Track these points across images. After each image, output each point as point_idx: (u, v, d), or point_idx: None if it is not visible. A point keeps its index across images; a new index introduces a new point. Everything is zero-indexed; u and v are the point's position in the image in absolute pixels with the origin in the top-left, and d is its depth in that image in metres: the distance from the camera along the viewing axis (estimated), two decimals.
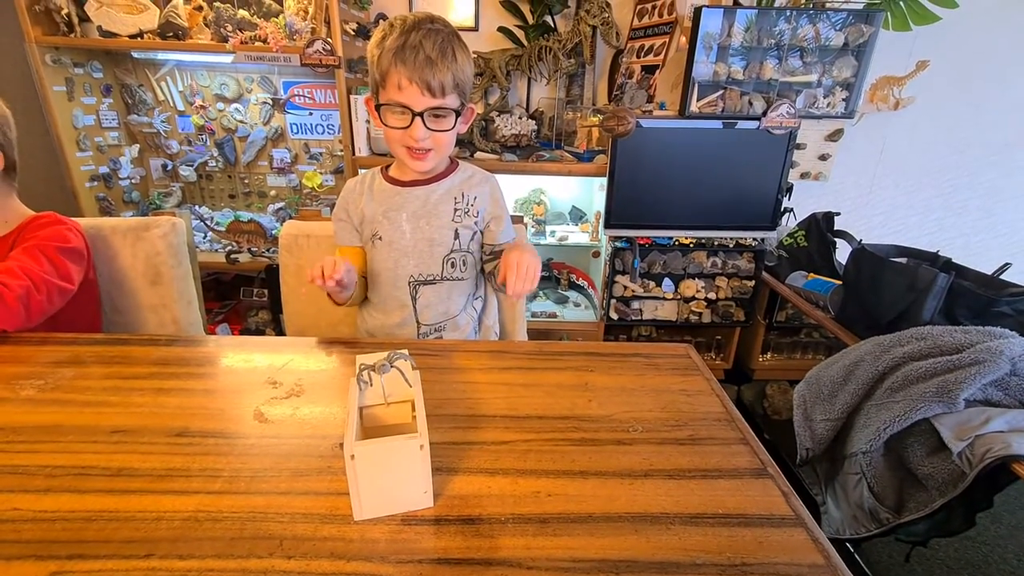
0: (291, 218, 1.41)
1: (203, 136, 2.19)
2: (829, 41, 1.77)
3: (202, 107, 2.13)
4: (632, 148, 1.81)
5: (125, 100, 2.12)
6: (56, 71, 1.85)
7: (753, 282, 2.04)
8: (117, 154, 2.11)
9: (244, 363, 0.74)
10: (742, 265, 2.03)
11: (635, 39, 2.06)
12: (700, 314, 2.09)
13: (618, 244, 1.97)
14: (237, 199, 2.32)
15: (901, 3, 1.86)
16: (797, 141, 1.85)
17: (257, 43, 1.81)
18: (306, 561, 0.44)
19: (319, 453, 0.56)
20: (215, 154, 2.21)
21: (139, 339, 0.80)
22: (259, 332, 2.22)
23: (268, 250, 2.05)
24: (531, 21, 2.07)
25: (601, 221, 1.98)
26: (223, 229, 2.04)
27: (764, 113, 1.78)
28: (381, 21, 1.32)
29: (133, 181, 2.18)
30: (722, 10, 1.72)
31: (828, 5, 1.85)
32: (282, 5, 1.89)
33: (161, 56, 2.06)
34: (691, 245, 1.99)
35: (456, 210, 0.98)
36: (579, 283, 2.35)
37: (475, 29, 2.11)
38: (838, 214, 1.97)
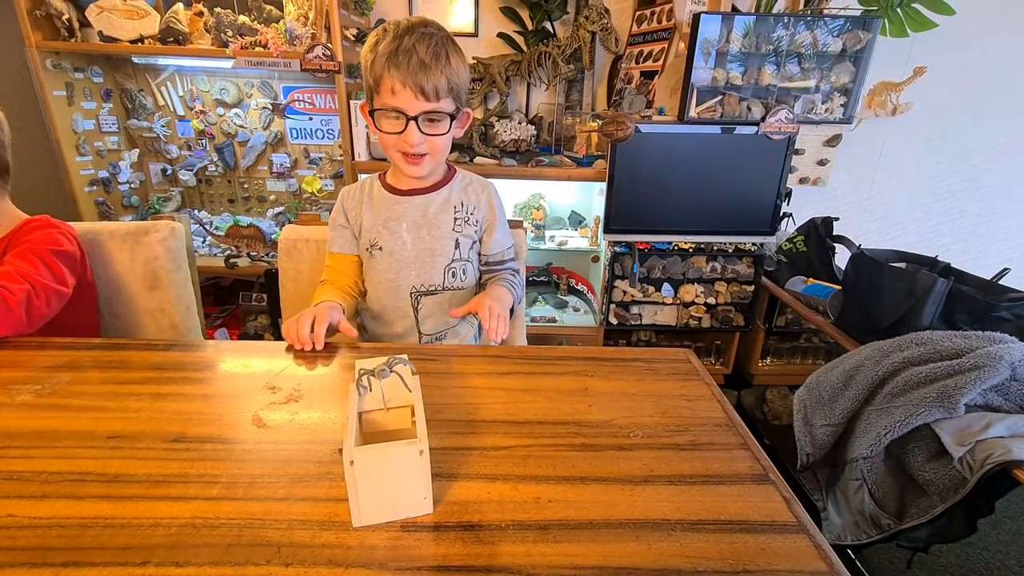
0: (290, 223, 1.41)
1: (203, 141, 2.20)
2: (827, 47, 1.78)
3: (202, 112, 2.14)
4: (631, 153, 1.82)
5: (125, 105, 2.13)
6: (56, 76, 1.86)
7: (752, 287, 2.04)
8: (117, 159, 2.11)
9: (242, 368, 0.74)
10: (741, 270, 2.03)
11: (634, 45, 2.07)
12: (699, 319, 2.09)
13: (617, 249, 1.97)
14: (236, 204, 2.32)
15: (898, 10, 1.87)
16: (796, 146, 1.85)
17: (257, 48, 1.81)
18: (304, 568, 0.43)
19: (318, 459, 0.56)
20: (215, 159, 2.22)
21: (136, 344, 0.80)
22: (258, 337, 2.21)
23: (267, 255, 2.05)
24: (530, 27, 2.08)
25: (600, 226, 1.99)
26: (222, 234, 2.04)
27: (763, 119, 1.79)
28: None
29: (132, 186, 2.18)
30: (720, 17, 1.73)
31: (826, 12, 1.86)
32: (282, 11, 1.90)
33: (161, 61, 2.07)
34: (690, 250, 1.99)
35: (456, 219, 0.98)
36: (578, 288, 2.35)
37: (475, 35, 2.12)
38: (837, 219, 1.98)
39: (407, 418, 0.54)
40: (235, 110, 2.16)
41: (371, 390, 0.54)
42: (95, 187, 2.03)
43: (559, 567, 0.44)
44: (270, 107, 2.15)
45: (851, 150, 2.24)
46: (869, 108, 2.18)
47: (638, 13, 2.07)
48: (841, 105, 1.86)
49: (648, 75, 1.98)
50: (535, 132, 2.10)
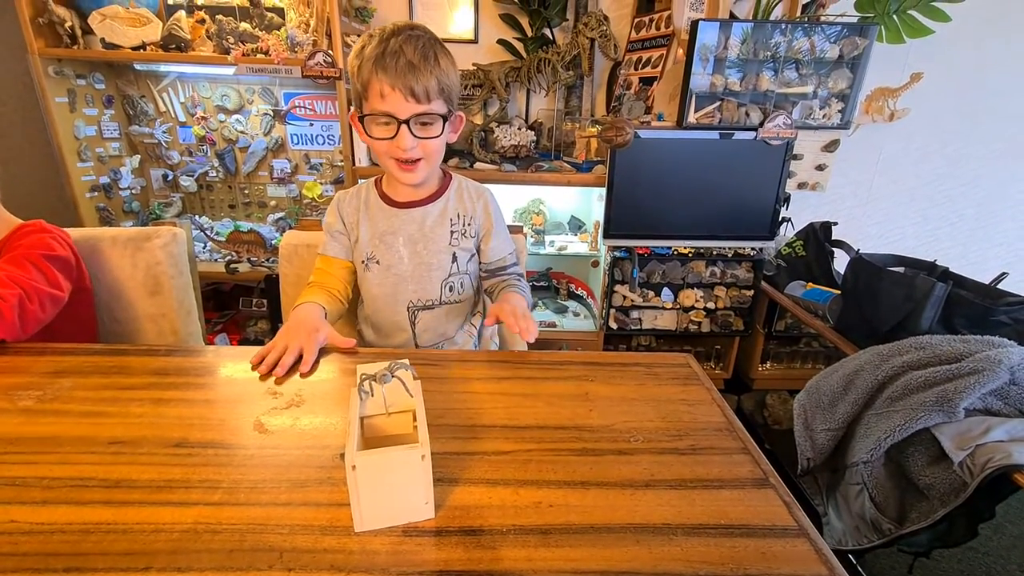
0: (291, 228, 1.41)
1: (204, 147, 2.20)
2: (824, 53, 1.80)
3: (203, 118, 2.15)
4: (630, 158, 1.82)
5: (127, 111, 2.14)
6: (58, 82, 1.87)
7: (752, 292, 2.05)
8: (118, 164, 2.12)
9: (244, 373, 0.74)
10: (741, 275, 2.04)
11: (633, 51, 2.08)
12: (699, 324, 2.10)
13: (617, 254, 1.98)
14: (237, 209, 2.33)
15: (895, 16, 1.89)
16: (794, 152, 1.86)
17: (259, 55, 1.82)
18: (306, 573, 0.43)
19: (319, 463, 0.56)
20: (215, 164, 2.22)
21: (137, 349, 0.80)
22: (258, 342, 2.21)
23: (268, 260, 2.06)
24: (530, 34, 2.09)
25: (600, 231, 1.99)
26: (223, 239, 2.04)
27: (761, 124, 1.80)
28: None
29: (133, 191, 2.18)
30: (718, 23, 1.74)
31: (823, 19, 1.87)
32: (284, 18, 1.91)
33: (163, 68, 2.08)
34: (690, 255, 1.99)
35: (453, 233, 0.97)
36: (578, 293, 2.35)
37: (475, 42, 2.14)
38: (835, 224, 1.98)
39: (408, 423, 0.55)
40: (236, 116, 2.17)
41: (373, 395, 0.54)
42: (96, 193, 2.03)
43: (560, 572, 0.44)
44: (271, 113, 2.16)
45: (849, 155, 2.25)
46: (866, 114, 2.19)
47: (637, 20, 2.08)
48: (839, 111, 1.87)
49: (647, 81, 1.99)
50: (535, 138, 2.10)
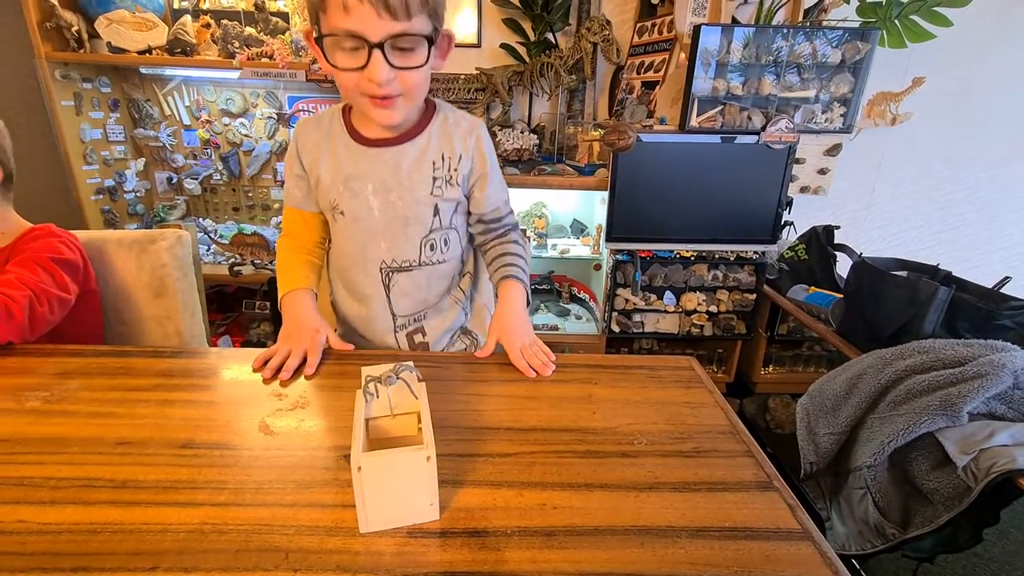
0: None
1: (208, 150, 2.22)
2: (826, 58, 1.80)
3: (208, 121, 2.16)
4: (633, 162, 1.83)
5: (132, 114, 2.15)
6: (65, 86, 1.88)
7: (754, 295, 2.05)
8: (123, 167, 2.13)
9: (248, 375, 0.74)
10: (743, 278, 2.04)
11: (635, 56, 2.09)
12: (702, 327, 2.10)
13: (619, 257, 1.98)
14: (241, 212, 2.34)
15: (896, 21, 1.89)
16: (796, 155, 1.86)
17: (263, 59, 1.84)
18: (312, 574, 0.43)
19: (324, 465, 0.56)
20: (220, 167, 2.24)
21: (143, 351, 0.81)
22: (261, 344, 2.22)
23: (270, 263, 2.06)
24: (533, 38, 2.10)
25: (602, 234, 2.00)
26: (227, 242, 2.05)
27: (763, 128, 1.80)
28: None
29: (138, 194, 2.20)
30: (720, 28, 1.75)
31: (824, 23, 1.88)
32: (288, 23, 1.93)
33: (168, 72, 2.09)
34: (692, 258, 1.99)
35: (436, 180, 0.81)
36: (580, 296, 2.35)
37: (477, 46, 2.15)
38: (838, 227, 1.99)
39: (413, 425, 0.55)
40: (240, 120, 2.18)
41: (378, 397, 0.54)
42: (101, 196, 2.05)
43: (564, 573, 0.44)
44: (275, 117, 2.18)
45: (851, 159, 2.25)
46: (868, 118, 2.20)
47: (639, 24, 2.09)
48: (841, 115, 1.88)
49: (649, 85, 2.00)
50: (537, 141, 2.11)
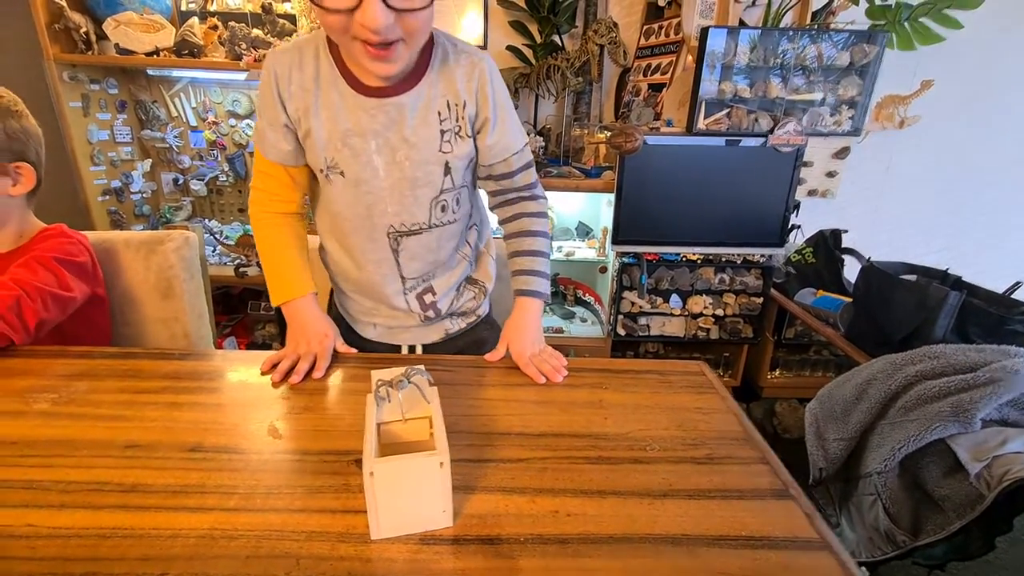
0: None
1: (214, 151, 2.22)
2: (833, 60, 1.79)
3: (214, 123, 2.16)
4: (639, 164, 1.82)
5: (139, 116, 2.16)
6: (73, 87, 1.89)
7: (761, 299, 2.04)
8: (130, 168, 2.14)
9: (256, 378, 0.74)
10: (750, 282, 2.03)
11: (642, 58, 2.08)
12: (708, 330, 2.08)
13: (625, 260, 1.97)
14: (246, 213, 2.34)
15: (906, 24, 1.88)
16: (804, 159, 1.85)
17: None
18: None
19: (334, 470, 0.56)
20: (226, 169, 2.24)
21: (151, 353, 0.80)
22: (266, 346, 2.22)
23: None
24: (539, 40, 2.10)
25: (608, 236, 1.99)
26: (232, 243, 2.05)
27: (770, 131, 1.80)
28: None
29: (144, 195, 2.20)
30: (727, 30, 1.75)
31: (833, 26, 1.87)
32: (295, 24, 1.93)
33: (176, 73, 2.10)
34: (699, 261, 1.98)
35: (444, 134, 0.73)
36: (586, 299, 2.34)
37: (484, 47, 2.15)
38: (846, 231, 1.97)
39: (425, 429, 0.54)
40: (247, 121, 2.18)
41: (389, 401, 0.54)
42: (108, 196, 2.05)
43: None
44: None
45: (859, 162, 2.24)
46: (876, 121, 2.18)
47: (646, 27, 2.09)
48: (849, 118, 1.87)
49: (656, 87, 1.99)
50: (543, 143, 2.11)
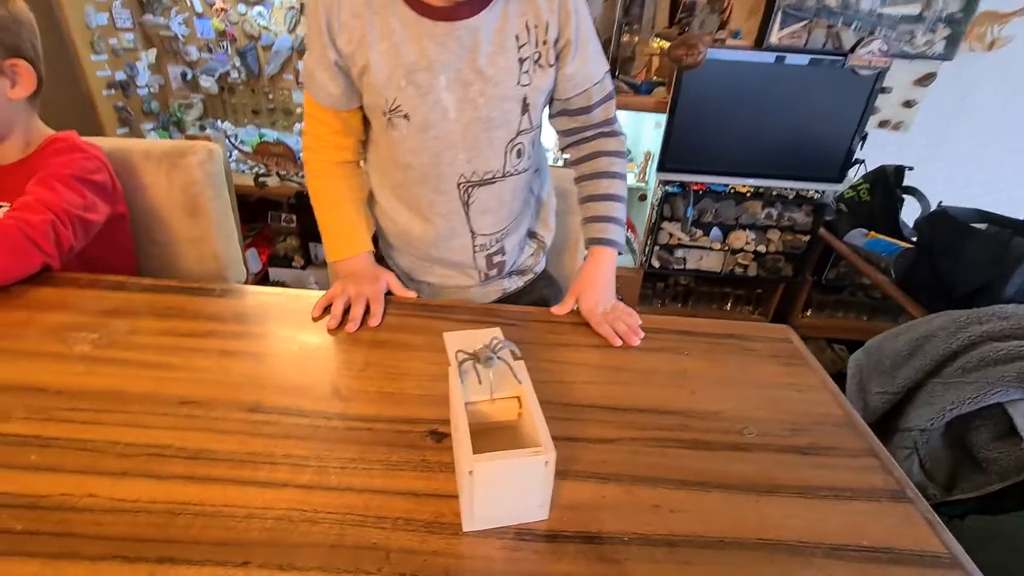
0: None
1: (224, 43, 2.02)
2: None
3: (222, 10, 1.94)
4: (699, 82, 1.64)
5: None
6: None
7: (808, 237, 1.93)
8: (133, 59, 1.95)
9: (308, 323, 0.68)
10: (799, 219, 1.91)
11: None
12: (746, 267, 2.00)
13: (669, 189, 1.84)
14: (261, 115, 2.18)
15: None
16: (883, 84, 1.65)
17: None
18: None
19: (409, 442, 0.51)
20: (237, 64, 2.05)
21: (189, 287, 0.74)
22: (287, 259, 2.16)
23: (296, 174, 1.95)
24: None
25: (651, 162, 1.85)
26: (249, 149, 1.92)
27: (852, 49, 1.59)
28: None
29: (152, 90, 2.03)
30: None
31: None
32: None
33: None
34: (747, 194, 1.86)
35: (523, 61, 0.63)
36: None
37: None
38: (911, 168, 1.82)
39: (514, 409, 0.49)
40: (258, 8, 1.96)
41: (479, 381, 0.48)
42: (113, 91, 1.89)
43: None
44: (297, 6, 1.95)
45: (939, 92, 2.01)
46: (964, 41, 1.93)
47: None
48: (944, 38, 1.64)
49: None
50: None
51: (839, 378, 1.33)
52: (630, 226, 2.18)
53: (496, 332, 0.57)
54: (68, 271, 0.76)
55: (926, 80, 1.78)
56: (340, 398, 0.56)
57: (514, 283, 0.88)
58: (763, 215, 1.91)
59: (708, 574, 0.42)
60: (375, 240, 0.90)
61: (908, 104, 1.83)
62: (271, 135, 2.01)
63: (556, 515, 0.45)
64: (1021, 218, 1.41)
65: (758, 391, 0.62)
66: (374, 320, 0.67)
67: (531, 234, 0.87)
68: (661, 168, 1.79)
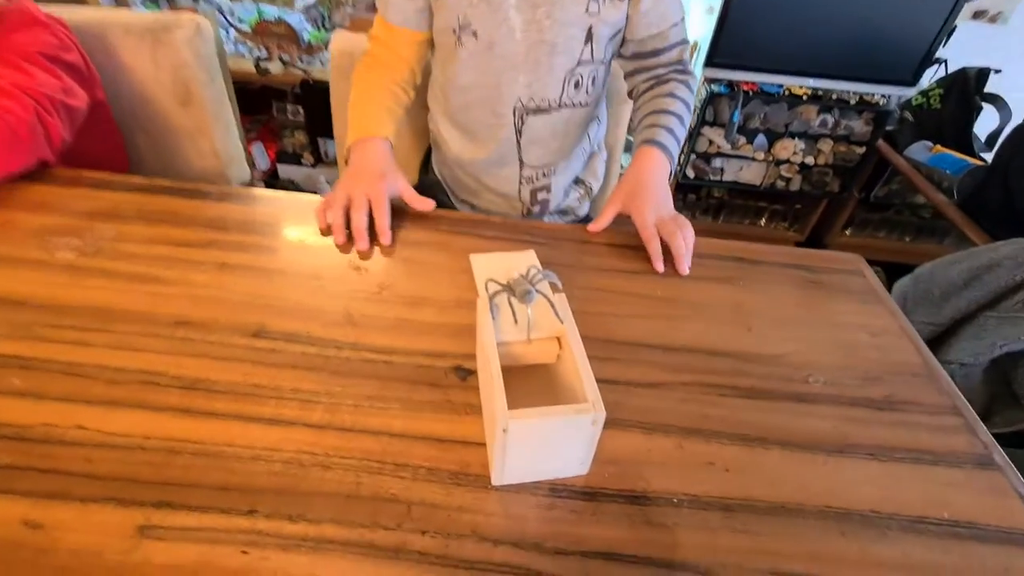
0: (326, 22, 1.12)
1: None
2: None
3: None
4: None
5: None
6: None
7: (863, 149, 1.75)
8: None
9: (316, 237, 0.60)
10: (857, 127, 1.72)
11: None
12: (788, 180, 1.85)
13: (715, 88, 1.64)
14: None
15: None
16: None
17: None
18: (445, 540, 0.35)
19: (430, 378, 0.46)
20: None
21: (183, 189, 0.65)
22: (296, 157, 2.04)
23: (300, 59, 1.77)
24: None
25: (698, 55, 1.63)
26: (248, 28, 1.73)
27: None
28: None
29: None
30: None
31: None
32: None
33: None
34: (803, 97, 1.65)
35: None
36: None
37: None
38: (998, 71, 1.58)
39: (552, 350, 0.42)
40: None
41: (516, 320, 0.41)
42: None
43: (757, 570, 0.35)
44: None
45: None
46: None
47: None
48: None
49: None
50: None
51: None
52: None
53: (531, 257, 0.49)
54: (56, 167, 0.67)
55: None
56: (353, 325, 0.50)
57: (556, 223, 0.83)
58: (817, 122, 1.71)
59: (769, 544, 0.37)
60: (427, 158, 0.90)
61: None
62: (271, 12, 1.79)
63: (596, 470, 0.40)
64: None
65: (825, 332, 0.55)
66: (383, 238, 0.59)
67: (578, 180, 0.85)
68: (709, 63, 1.57)
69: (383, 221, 0.59)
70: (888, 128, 1.73)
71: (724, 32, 1.51)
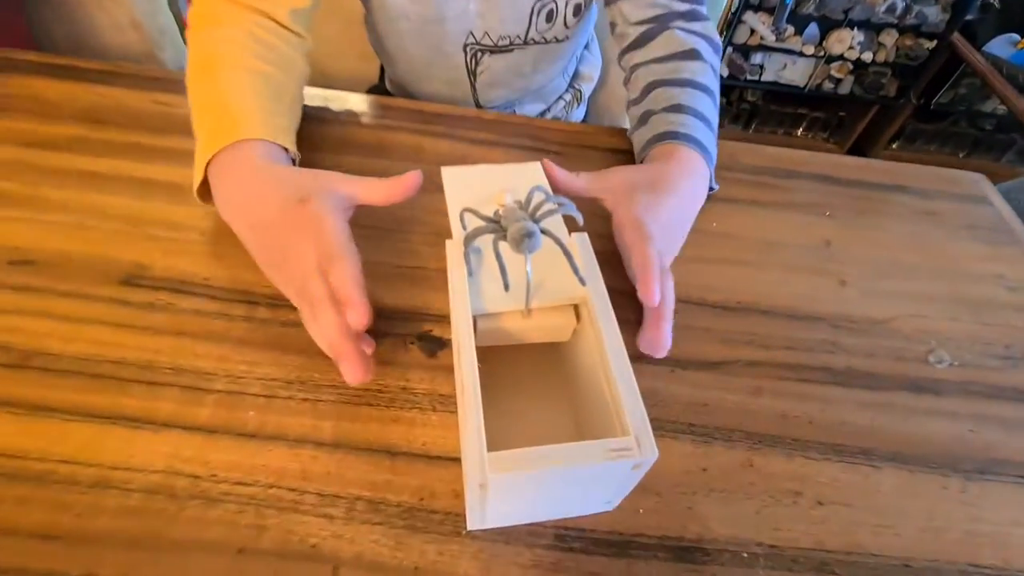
0: None
1: None
2: None
3: None
4: None
5: None
6: None
7: (933, 43, 1.47)
8: None
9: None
10: (931, 16, 1.43)
11: None
12: (838, 81, 1.59)
13: None
14: None
15: None
16: None
17: None
18: None
19: (383, 354, 0.31)
20: None
21: (50, 65, 0.47)
22: None
23: None
24: None
25: None
26: None
27: None
28: None
29: None
30: None
31: None
32: None
33: None
34: None
35: None
36: None
37: None
38: None
39: (565, 324, 0.27)
40: None
41: (502, 270, 0.25)
42: None
43: None
44: None
45: None
46: None
47: None
48: None
49: None
50: None
51: None
52: None
53: (535, 173, 0.32)
54: None
55: None
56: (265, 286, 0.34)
57: (536, 109, 0.65)
58: (883, 7, 1.42)
59: None
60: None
61: None
62: None
63: (626, 504, 0.27)
64: None
65: (946, 285, 0.39)
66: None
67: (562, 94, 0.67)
68: None
69: (350, 291, 0.27)
70: (968, 17, 1.44)
71: None
